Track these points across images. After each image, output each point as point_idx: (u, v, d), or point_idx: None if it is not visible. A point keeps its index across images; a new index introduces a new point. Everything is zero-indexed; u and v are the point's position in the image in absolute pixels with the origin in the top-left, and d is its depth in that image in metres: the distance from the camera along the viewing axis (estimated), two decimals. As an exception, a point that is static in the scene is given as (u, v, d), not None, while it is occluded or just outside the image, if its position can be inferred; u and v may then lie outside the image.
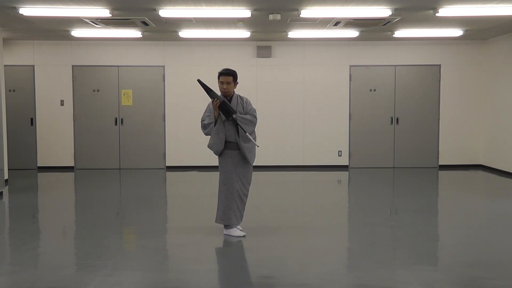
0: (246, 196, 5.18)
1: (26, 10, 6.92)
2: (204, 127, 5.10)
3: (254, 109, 5.20)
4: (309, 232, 5.44)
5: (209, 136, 5.13)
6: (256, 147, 5.17)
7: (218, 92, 5.14)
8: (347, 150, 10.44)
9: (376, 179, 9.22)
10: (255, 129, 5.18)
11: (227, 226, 5.16)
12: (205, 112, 5.15)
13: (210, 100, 5.09)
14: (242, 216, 5.19)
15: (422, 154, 10.45)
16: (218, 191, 5.16)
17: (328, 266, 4.30)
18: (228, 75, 5.03)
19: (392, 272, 4.12)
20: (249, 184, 5.20)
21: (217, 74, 5.10)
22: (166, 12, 7.01)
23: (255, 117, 5.13)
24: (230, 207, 5.07)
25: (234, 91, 5.15)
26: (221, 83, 5.05)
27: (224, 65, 10.20)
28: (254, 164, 5.28)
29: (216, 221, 5.18)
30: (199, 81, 5.11)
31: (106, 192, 8.05)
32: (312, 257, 4.54)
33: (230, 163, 5.06)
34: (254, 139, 5.12)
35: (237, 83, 5.14)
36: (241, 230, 5.19)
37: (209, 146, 5.09)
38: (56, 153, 10.32)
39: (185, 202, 7.17)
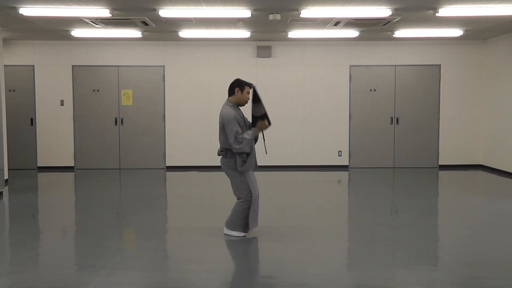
0: None
1: (26, 10, 6.91)
2: (243, 142, 4.88)
3: None
4: (309, 232, 5.44)
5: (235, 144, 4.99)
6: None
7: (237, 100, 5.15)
8: (347, 150, 10.44)
9: (376, 179, 9.22)
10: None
11: (229, 226, 5.17)
12: (234, 123, 4.93)
13: (231, 111, 4.97)
14: None
15: (422, 154, 10.45)
16: (252, 199, 5.06)
17: (328, 266, 4.30)
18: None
19: (392, 272, 4.12)
20: None
21: (246, 83, 5.09)
22: (166, 12, 7.01)
23: None
24: (257, 210, 5.17)
25: None
26: (248, 93, 5.10)
27: (224, 65, 10.28)
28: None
29: (251, 229, 5.17)
30: (254, 88, 5.05)
31: (106, 192, 8.05)
32: (312, 257, 4.54)
33: (251, 169, 5.12)
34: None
35: None
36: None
37: (248, 165, 5.00)
38: (56, 153, 10.32)
39: (185, 202, 7.17)
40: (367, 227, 5.66)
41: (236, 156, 4.97)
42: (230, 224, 5.16)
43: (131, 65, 10.25)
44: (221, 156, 5.17)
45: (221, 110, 5.08)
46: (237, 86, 5.09)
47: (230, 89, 5.15)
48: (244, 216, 5.09)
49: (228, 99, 5.16)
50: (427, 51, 10.31)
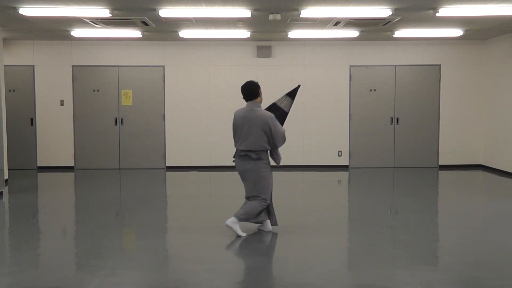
0: None
1: (26, 10, 6.91)
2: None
3: None
4: (309, 232, 5.44)
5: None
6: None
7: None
8: (347, 150, 10.44)
9: (376, 179, 9.22)
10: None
11: (237, 219, 5.15)
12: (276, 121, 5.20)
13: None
14: None
15: (422, 154, 10.45)
16: (270, 197, 5.25)
17: (328, 266, 4.30)
18: None
19: (392, 272, 4.12)
20: None
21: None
22: (166, 12, 7.01)
23: None
24: None
25: None
26: None
27: (224, 65, 10.28)
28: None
29: (275, 224, 5.39)
30: (298, 87, 5.52)
31: (106, 192, 8.05)
32: (312, 257, 4.54)
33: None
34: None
35: None
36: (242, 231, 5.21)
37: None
38: (56, 153, 10.32)
39: (185, 202, 7.17)
40: (367, 227, 5.66)
41: (275, 152, 5.19)
42: (243, 217, 5.13)
43: (131, 65, 10.25)
44: (248, 161, 5.10)
45: (258, 112, 5.08)
46: (259, 88, 5.20)
47: (252, 92, 5.14)
48: (258, 214, 5.21)
49: (254, 102, 5.15)
50: (427, 51, 10.31)
